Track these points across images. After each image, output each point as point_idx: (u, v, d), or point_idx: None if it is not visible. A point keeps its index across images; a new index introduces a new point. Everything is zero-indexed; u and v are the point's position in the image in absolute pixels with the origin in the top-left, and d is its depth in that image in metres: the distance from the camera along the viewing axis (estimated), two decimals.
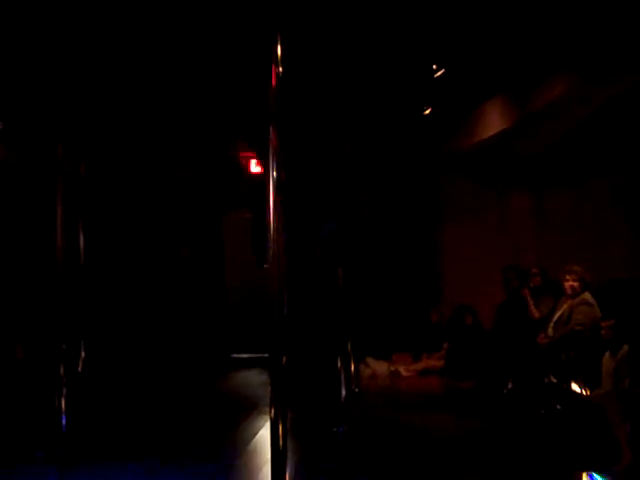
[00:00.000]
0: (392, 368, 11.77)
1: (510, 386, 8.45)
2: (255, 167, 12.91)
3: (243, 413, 8.98)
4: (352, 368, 10.19)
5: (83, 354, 11.04)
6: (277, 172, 3.46)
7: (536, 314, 8.95)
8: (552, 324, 8.26)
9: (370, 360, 11.81)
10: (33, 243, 10.88)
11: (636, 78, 8.24)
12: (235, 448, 7.57)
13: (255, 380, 11.11)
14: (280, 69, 3.43)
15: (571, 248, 11.39)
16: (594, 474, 5.97)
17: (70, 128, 7.67)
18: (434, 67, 9.26)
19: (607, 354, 7.01)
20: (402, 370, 11.67)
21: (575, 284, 8.05)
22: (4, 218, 11.17)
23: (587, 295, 8.01)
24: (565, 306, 8.16)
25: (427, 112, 10.98)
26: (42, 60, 8.85)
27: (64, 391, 5.66)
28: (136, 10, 7.94)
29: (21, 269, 11.22)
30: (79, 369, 10.90)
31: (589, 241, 11.74)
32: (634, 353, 6.77)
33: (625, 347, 6.87)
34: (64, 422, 5.66)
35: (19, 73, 9.08)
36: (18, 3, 7.56)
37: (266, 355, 3.60)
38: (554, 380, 7.84)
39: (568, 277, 8.10)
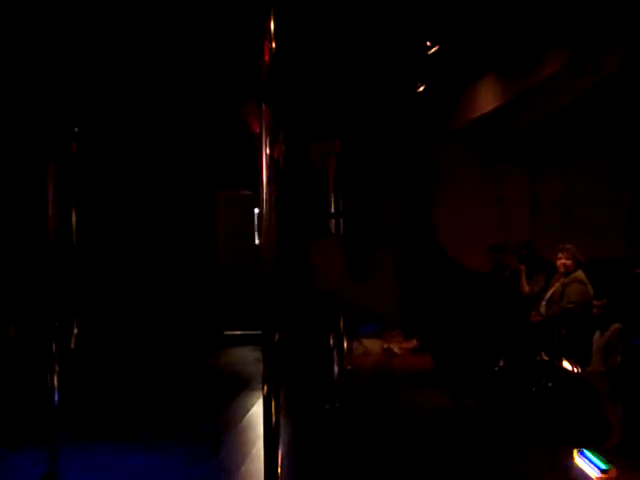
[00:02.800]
0: (385, 346, 11.79)
1: (502, 363, 8.48)
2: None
3: (236, 390, 9.01)
4: (345, 345, 10.24)
5: (76, 331, 11.04)
6: (270, 149, 3.45)
7: (526, 288, 8.95)
8: (544, 302, 8.27)
9: (363, 338, 11.83)
10: (25, 221, 10.83)
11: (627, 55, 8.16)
12: (228, 424, 7.60)
13: (248, 357, 11.13)
14: (273, 44, 3.40)
15: (564, 226, 11.40)
16: (585, 450, 6.02)
17: (61, 106, 7.60)
18: (428, 44, 9.18)
19: (597, 332, 7.04)
20: (395, 348, 11.69)
21: (568, 262, 8.03)
22: None
23: (580, 273, 8.00)
24: (557, 284, 8.16)
25: (420, 89, 10.92)
26: (32, 37, 8.76)
27: (56, 368, 5.65)
28: None
29: (13, 247, 11.17)
30: (72, 346, 10.91)
31: (582, 220, 11.74)
32: (625, 332, 6.81)
33: (614, 325, 6.90)
34: (56, 399, 5.65)
35: (9, 51, 9.00)
36: None
37: (259, 332, 3.59)
38: (546, 358, 7.86)
39: (561, 255, 8.09)
